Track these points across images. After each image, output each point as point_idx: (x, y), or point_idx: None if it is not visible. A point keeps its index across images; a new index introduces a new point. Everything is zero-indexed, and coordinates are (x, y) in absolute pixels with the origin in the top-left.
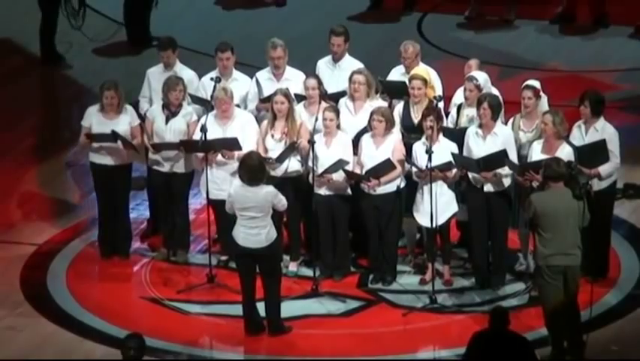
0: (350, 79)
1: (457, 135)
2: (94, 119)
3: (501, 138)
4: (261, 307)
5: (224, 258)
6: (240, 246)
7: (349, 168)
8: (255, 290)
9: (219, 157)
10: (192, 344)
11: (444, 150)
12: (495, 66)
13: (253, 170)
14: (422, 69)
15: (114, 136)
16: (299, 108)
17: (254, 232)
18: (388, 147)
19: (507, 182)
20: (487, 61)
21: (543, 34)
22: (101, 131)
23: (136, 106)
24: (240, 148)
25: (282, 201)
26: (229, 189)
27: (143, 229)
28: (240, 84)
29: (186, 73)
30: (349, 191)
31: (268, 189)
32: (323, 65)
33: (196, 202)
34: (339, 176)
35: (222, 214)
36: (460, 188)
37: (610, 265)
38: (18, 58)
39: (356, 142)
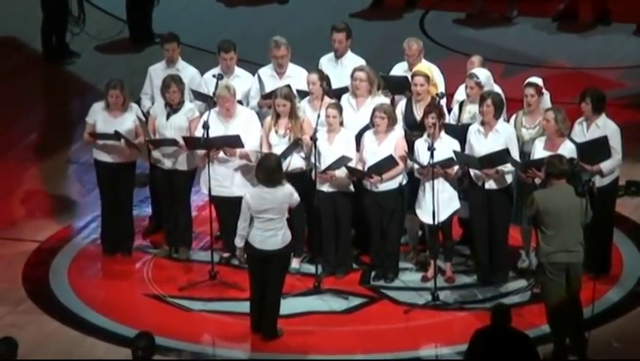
0: (352, 76)
1: (459, 132)
2: (99, 117)
3: (503, 135)
4: None
5: (226, 255)
6: (256, 249)
7: (352, 164)
8: (264, 290)
9: (221, 154)
10: (195, 341)
11: (446, 147)
12: (497, 63)
13: (270, 171)
14: (425, 66)
15: (117, 136)
16: (303, 104)
17: (270, 234)
18: (390, 143)
19: (509, 179)
20: (490, 58)
21: (545, 31)
22: (106, 130)
23: (138, 103)
24: (241, 145)
25: (297, 199)
26: (244, 194)
27: (145, 226)
28: (241, 81)
29: (188, 70)
30: (352, 188)
31: (285, 190)
32: (325, 61)
33: (198, 199)
34: (341, 173)
35: (224, 211)
36: (462, 185)
37: (612, 262)
38: (20, 55)
39: (358, 139)
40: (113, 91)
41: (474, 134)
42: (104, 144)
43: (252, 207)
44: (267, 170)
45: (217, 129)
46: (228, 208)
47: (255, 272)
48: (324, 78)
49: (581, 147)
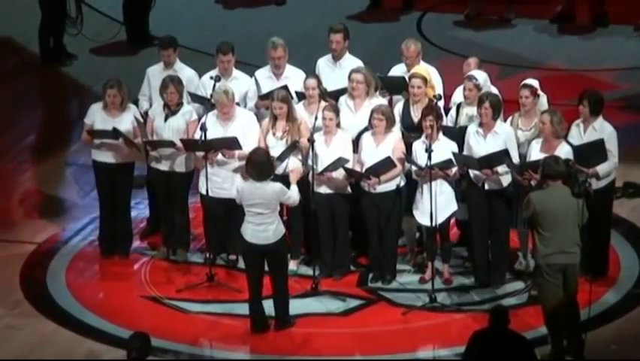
0: (349, 78)
1: (457, 134)
2: (97, 117)
3: (502, 136)
4: (267, 305)
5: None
6: (247, 242)
7: (349, 166)
8: (262, 287)
9: (219, 156)
10: (193, 343)
11: (444, 149)
12: (494, 65)
13: (260, 166)
14: (422, 68)
15: (115, 133)
16: (299, 108)
17: (261, 228)
18: (388, 145)
19: (507, 180)
20: (487, 60)
21: (542, 33)
22: (104, 129)
23: (136, 104)
24: (240, 147)
25: (291, 198)
26: (237, 184)
27: (142, 228)
28: (239, 83)
29: (186, 72)
30: (349, 189)
31: (275, 186)
32: (323, 63)
33: (196, 201)
34: (339, 174)
35: (221, 212)
36: (460, 187)
37: (609, 263)
38: (17, 57)
39: (357, 141)
40: (111, 90)
41: (473, 135)
42: (102, 143)
43: (244, 199)
44: (258, 164)
45: (216, 131)
46: (227, 209)
47: (250, 267)
48: (320, 82)
49: (577, 150)
